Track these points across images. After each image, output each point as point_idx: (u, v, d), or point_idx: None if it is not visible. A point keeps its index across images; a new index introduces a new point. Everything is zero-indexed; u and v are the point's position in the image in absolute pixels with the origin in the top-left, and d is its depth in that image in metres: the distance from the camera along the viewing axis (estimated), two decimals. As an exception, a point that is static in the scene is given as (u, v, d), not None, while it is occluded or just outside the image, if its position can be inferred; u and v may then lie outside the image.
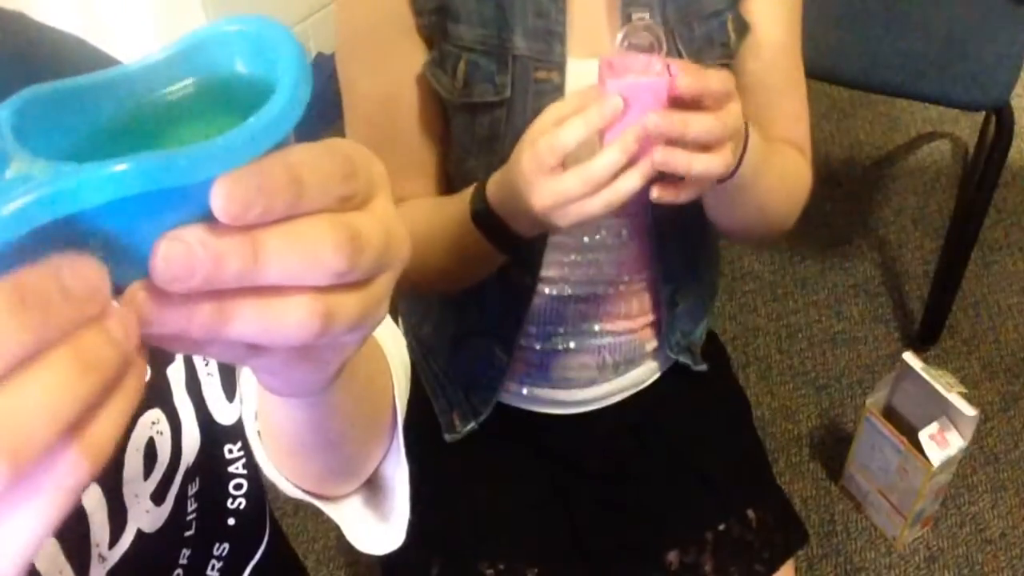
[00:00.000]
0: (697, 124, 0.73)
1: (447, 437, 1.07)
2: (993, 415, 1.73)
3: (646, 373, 1.10)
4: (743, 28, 0.92)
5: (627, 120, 0.73)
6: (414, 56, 0.90)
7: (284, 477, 0.57)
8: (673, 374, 1.11)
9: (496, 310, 1.00)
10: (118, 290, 0.29)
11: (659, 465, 1.09)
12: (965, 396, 1.44)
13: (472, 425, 1.07)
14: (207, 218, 0.29)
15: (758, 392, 1.78)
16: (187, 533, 0.57)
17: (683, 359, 1.09)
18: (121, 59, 0.52)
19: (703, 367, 1.11)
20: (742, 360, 1.83)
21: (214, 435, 0.57)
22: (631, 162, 0.74)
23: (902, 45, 1.63)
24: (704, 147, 0.74)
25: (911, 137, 2.25)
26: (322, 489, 0.58)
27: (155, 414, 0.52)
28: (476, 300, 1.00)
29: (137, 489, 0.52)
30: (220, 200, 0.28)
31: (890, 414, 1.55)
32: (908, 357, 1.49)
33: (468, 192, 0.87)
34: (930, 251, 2.00)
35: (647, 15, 0.85)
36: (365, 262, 0.31)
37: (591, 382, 1.06)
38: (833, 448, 1.69)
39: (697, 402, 1.12)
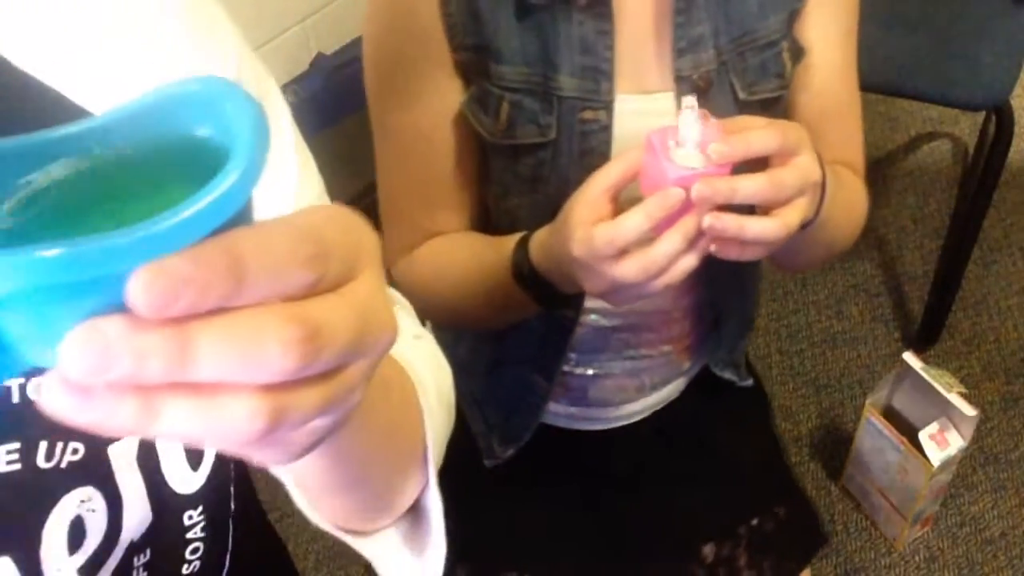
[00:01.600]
0: (746, 188, 0.70)
1: (487, 463, 1.06)
2: (993, 415, 1.73)
3: (678, 389, 1.10)
4: (798, 54, 0.89)
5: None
6: (450, 92, 0.86)
7: (317, 515, 0.54)
8: (703, 381, 1.11)
9: (537, 340, 0.98)
10: (37, 371, 0.27)
11: (688, 464, 1.09)
12: (965, 396, 1.44)
13: (511, 452, 1.05)
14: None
15: (758, 392, 1.78)
16: None
17: (728, 375, 1.08)
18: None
19: (749, 382, 1.10)
20: (742, 360, 1.84)
21: (171, 506, 0.53)
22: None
23: (902, 45, 1.62)
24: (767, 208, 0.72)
25: (911, 137, 2.25)
26: (357, 525, 0.55)
27: (85, 492, 0.48)
28: (515, 330, 0.97)
29: (60, 564, 0.49)
30: (138, 292, 0.25)
31: (890, 414, 1.55)
32: (908, 357, 1.49)
33: (508, 244, 0.84)
34: (930, 251, 2.00)
35: (694, 99, 0.76)
36: (325, 358, 0.27)
37: (627, 401, 1.06)
38: (833, 448, 1.69)
39: (725, 404, 1.12)
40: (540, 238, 0.81)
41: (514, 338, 0.99)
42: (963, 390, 1.46)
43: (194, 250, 0.25)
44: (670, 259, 0.71)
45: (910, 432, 1.48)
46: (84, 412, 0.26)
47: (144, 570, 0.53)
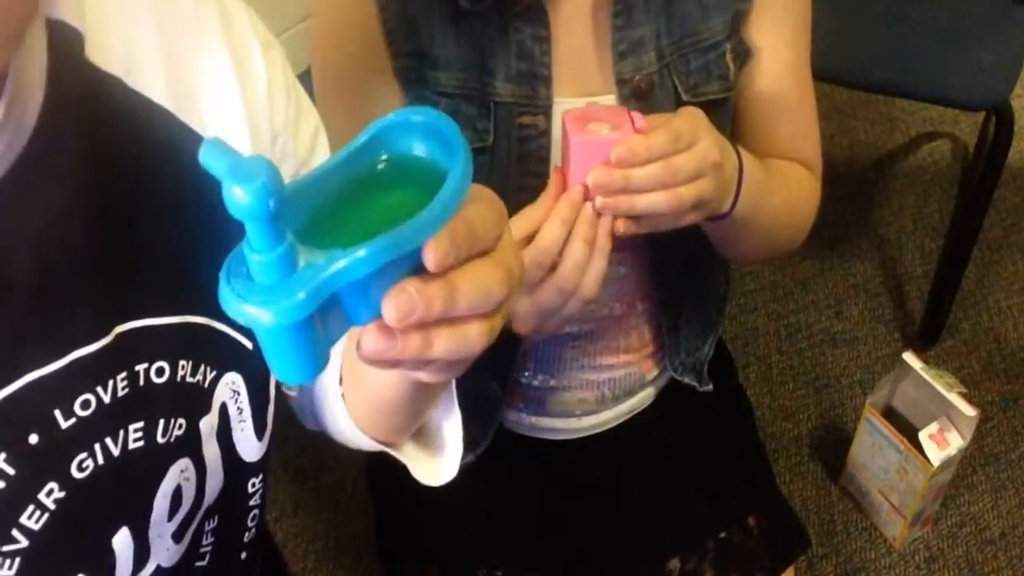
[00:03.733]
0: (640, 176, 0.73)
1: None
2: (993, 415, 1.73)
3: (646, 399, 1.09)
4: (744, 56, 0.89)
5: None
6: (390, 97, 0.86)
7: (361, 429, 0.65)
8: (675, 386, 1.09)
9: (490, 347, 0.99)
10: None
11: (659, 474, 1.08)
12: (965, 396, 1.44)
13: (470, 458, 1.04)
14: (417, 269, 0.40)
15: (758, 392, 1.78)
16: (198, 564, 0.61)
17: (688, 380, 1.06)
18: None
19: (709, 387, 1.08)
20: (742, 360, 1.83)
21: (239, 473, 0.62)
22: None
23: (902, 45, 1.63)
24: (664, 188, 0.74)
25: (911, 137, 2.25)
26: (391, 439, 0.65)
27: (184, 463, 0.57)
28: None
29: (161, 530, 0.56)
30: (432, 257, 0.39)
31: (890, 414, 1.55)
32: (908, 357, 1.49)
33: None
34: (930, 251, 2.00)
35: (613, 98, 0.81)
36: (514, 290, 0.43)
37: (590, 412, 1.05)
38: (833, 448, 1.69)
39: (698, 410, 1.11)
40: None
41: None
42: (963, 390, 1.46)
43: (451, 226, 0.39)
44: (579, 268, 0.72)
45: (910, 432, 1.48)
46: (391, 348, 0.40)
47: (211, 535, 0.61)
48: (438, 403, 0.64)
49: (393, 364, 0.42)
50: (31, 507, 0.49)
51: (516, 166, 0.86)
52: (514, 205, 0.88)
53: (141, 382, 0.53)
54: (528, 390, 1.03)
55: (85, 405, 0.50)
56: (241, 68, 0.56)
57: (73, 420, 0.50)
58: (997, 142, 1.60)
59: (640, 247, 0.94)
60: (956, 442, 1.45)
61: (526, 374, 1.01)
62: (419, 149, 0.43)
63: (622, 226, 0.75)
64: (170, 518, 0.57)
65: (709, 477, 1.08)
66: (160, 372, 0.54)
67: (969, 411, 1.42)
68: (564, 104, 0.85)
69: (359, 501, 1.63)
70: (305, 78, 0.92)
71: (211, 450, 0.58)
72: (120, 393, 0.52)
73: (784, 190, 0.92)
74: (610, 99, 0.86)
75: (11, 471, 0.48)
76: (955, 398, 1.44)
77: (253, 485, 0.64)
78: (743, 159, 0.82)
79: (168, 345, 0.54)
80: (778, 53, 0.91)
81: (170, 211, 0.53)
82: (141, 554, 0.55)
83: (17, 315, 0.47)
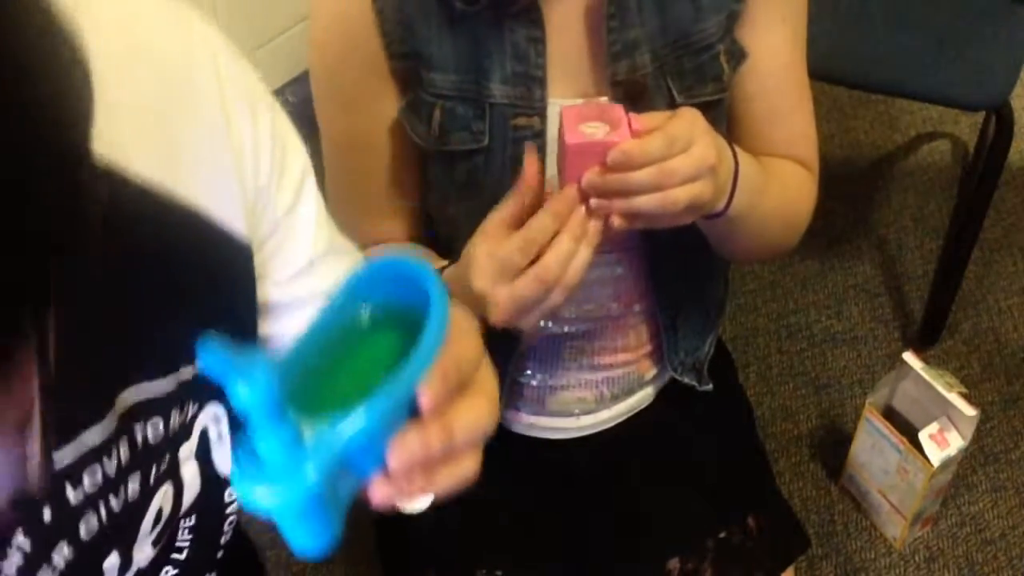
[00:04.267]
0: (635, 179, 0.73)
1: None
2: (993, 415, 1.73)
3: (646, 398, 1.08)
4: (739, 57, 0.89)
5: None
6: (387, 99, 0.87)
7: None
8: (675, 386, 1.10)
9: (486, 346, 0.99)
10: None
11: (658, 474, 1.08)
12: (965, 396, 1.44)
13: None
14: (411, 407, 0.43)
15: (758, 392, 1.78)
16: (175, 556, 0.63)
17: (688, 380, 1.06)
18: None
19: (709, 387, 1.08)
20: (742, 360, 1.83)
21: (216, 485, 0.64)
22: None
23: (902, 45, 1.62)
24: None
25: (911, 137, 2.24)
26: None
27: (166, 487, 0.59)
28: None
29: (143, 544, 0.59)
30: (427, 403, 0.43)
31: (890, 414, 1.55)
32: (908, 357, 1.49)
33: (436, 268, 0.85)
34: (930, 251, 2.00)
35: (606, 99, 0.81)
36: (496, 417, 0.49)
37: (589, 412, 1.05)
38: (833, 448, 1.69)
39: (698, 411, 1.11)
40: (448, 273, 0.82)
41: None
42: (963, 390, 1.46)
43: (438, 369, 0.43)
44: (562, 263, 0.72)
45: (910, 432, 1.48)
46: (399, 494, 0.44)
47: (188, 532, 0.63)
48: None
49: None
50: (45, 569, 0.51)
51: (511, 167, 0.86)
52: None
53: (139, 443, 0.55)
54: (527, 390, 1.03)
55: (92, 475, 0.52)
56: (230, 128, 0.55)
57: (81, 493, 0.52)
58: (997, 142, 1.60)
59: (637, 248, 0.94)
60: (956, 442, 1.45)
61: (525, 374, 1.01)
62: (393, 294, 0.45)
63: (617, 222, 0.76)
64: (151, 532, 0.59)
65: (709, 477, 1.08)
66: (155, 426, 0.56)
67: (969, 411, 1.42)
68: (559, 105, 0.84)
69: (358, 500, 1.63)
70: (304, 78, 0.92)
71: (190, 469, 0.60)
72: (123, 459, 0.54)
73: (780, 189, 0.92)
74: (604, 101, 0.86)
75: (28, 547, 0.50)
76: (955, 398, 1.44)
77: (230, 495, 0.65)
78: (739, 158, 0.82)
79: (162, 402, 0.55)
80: (773, 53, 0.91)
81: (156, 279, 0.53)
82: (124, 565, 0.58)
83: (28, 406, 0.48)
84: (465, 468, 0.46)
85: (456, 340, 0.44)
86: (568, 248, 0.73)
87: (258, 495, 0.39)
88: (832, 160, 2.18)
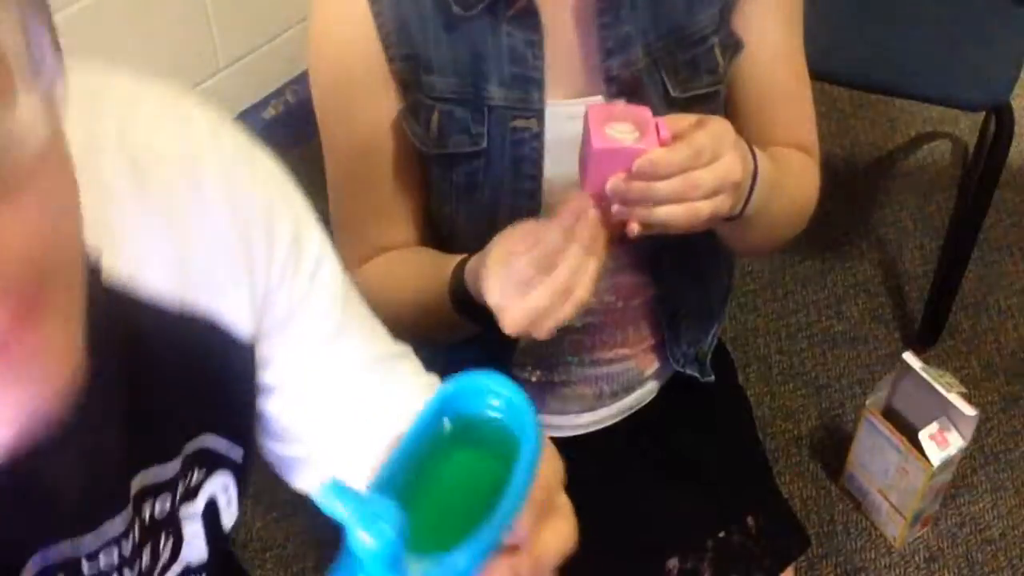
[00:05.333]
0: (659, 189, 0.72)
1: None
2: (993, 415, 1.73)
3: (646, 395, 1.09)
4: (734, 48, 0.89)
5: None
6: (388, 102, 0.87)
7: None
8: (675, 383, 1.10)
9: (487, 342, 0.99)
10: None
11: (658, 473, 1.08)
12: (965, 396, 1.44)
13: None
14: (502, 537, 0.43)
15: (758, 392, 1.78)
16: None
17: (690, 371, 1.06)
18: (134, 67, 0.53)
19: (711, 378, 1.08)
20: (742, 360, 1.83)
21: (222, 539, 0.64)
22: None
23: (902, 45, 1.62)
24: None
25: (911, 137, 2.24)
26: None
27: (168, 543, 0.59)
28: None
29: None
30: (522, 534, 0.44)
31: (890, 414, 1.55)
32: (908, 357, 1.49)
33: (449, 266, 0.85)
34: (930, 251, 2.00)
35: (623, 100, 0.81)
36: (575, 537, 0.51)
37: (588, 409, 1.05)
38: (833, 448, 1.69)
39: (698, 409, 1.11)
40: (471, 265, 0.82)
41: (466, 341, 0.99)
42: (963, 390, 1.46)
43: (537, 505, 0.45)
44: (573, 271, 0.72)
45: (910, 432, 1.48)
46: None
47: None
48: None
49: None
50: None
51: (510, 169, 0.86)
52: (509, 208, 0.89)
53: (148, 519, 0.56)
54: (526, 386, 1.02)
55: (108, 555, 0.54)
56: (241, 237, 0.56)
57: (96, 568, 0.53)
58: (997, 142, 1.60)
59: (636, 242, 0.95)
60: (956, 442, 1.45)
61: (525, 370, 1.01)
62: (471, 406, 0.46)
63: (635, 229, 0.76)
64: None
65: (708, 477, 1.08)
66: (164, 501, 0.57)
67: (969, 411, 1.42)
68: (556, 107, 0.85)
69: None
70: (304, 78, 0.92)
71: (192, 527, 0.60)
72: (136, 538, 0.55)
73: (791, 185, 0.92)
74: (599, 99, 0.86)
75: None
76: (955, 398, 1.44)
77: (232, 542, 0.66)
78: (758, 162, 0.81)
79: (172, 478, 0.57)
80: (769, 41, 0.91)
81: (167, 380, 0.54)
82: None
83: (62, 514, 0.51)
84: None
85: (543, 462, 0.45)
86: (577, 257, 0.73)
87: None
88: (832, 160, 2.18)
